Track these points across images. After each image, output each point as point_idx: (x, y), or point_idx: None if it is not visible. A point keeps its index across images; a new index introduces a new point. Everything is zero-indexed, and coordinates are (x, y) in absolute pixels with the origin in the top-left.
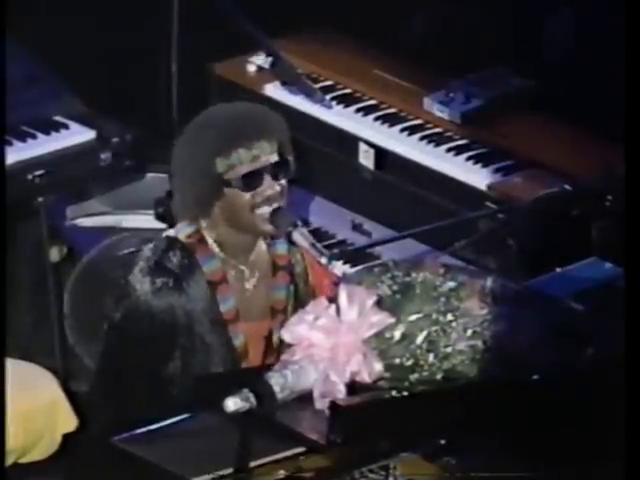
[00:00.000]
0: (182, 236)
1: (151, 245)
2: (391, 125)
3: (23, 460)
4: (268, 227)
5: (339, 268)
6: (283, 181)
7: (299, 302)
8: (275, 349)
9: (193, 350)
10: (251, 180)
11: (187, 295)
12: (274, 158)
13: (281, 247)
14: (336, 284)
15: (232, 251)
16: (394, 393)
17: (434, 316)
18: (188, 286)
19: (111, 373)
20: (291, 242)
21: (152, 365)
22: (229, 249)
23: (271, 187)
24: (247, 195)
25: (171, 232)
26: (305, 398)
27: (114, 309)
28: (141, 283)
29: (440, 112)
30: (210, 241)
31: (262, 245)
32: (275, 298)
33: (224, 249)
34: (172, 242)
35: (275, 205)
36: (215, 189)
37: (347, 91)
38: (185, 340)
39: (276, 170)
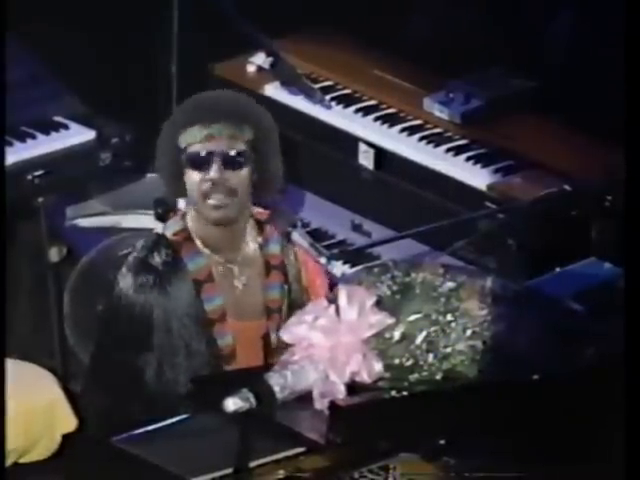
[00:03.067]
0: (169, 233)
1: (141, 242)
2: (391, 125)
3: (23, 460)
4: (214, 219)
5: (339, 268)
6: (242, 172)
7: (292, 301)
8: (275, 349)
9: (173, 349)
10: (197, 160)
11: (168, 294)
12: (232, 147)
13: (274, 246)
14: (330, 284)
15: (214, 247)
16: (394, 393)
17: (434, 316)
18: (170, 284)
19: (97, 365)
20: (289, 241)
21: (133, 359)
22: (211, 245)
23: (219, 174)
24: (196, 176)
25: (159, 229)
26: (305, 398)
27: (102, 303)
28: (124, 279)
29: (440, 112)
30: (196, 239)
31: (251, 244)
32: (270, 297)
33: (207, 245)
34: (159, 239)
35: (222, 198)
36: (181, 164)
37: (347, 91)
38: (164, 339)
39: (229, 159)
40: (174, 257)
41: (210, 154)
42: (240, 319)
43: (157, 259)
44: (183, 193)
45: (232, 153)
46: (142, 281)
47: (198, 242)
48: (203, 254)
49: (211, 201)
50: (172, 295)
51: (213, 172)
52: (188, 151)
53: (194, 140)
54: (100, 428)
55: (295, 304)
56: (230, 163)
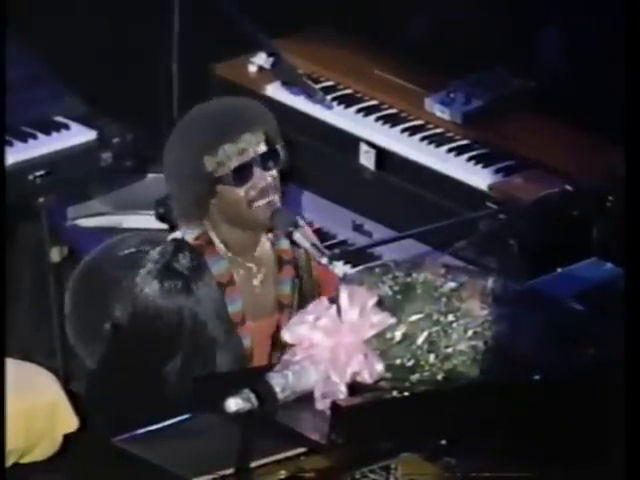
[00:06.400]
0: (190, 238)
1: (159, 248)
2: (392, 125)
3: (24, 460)
4: (267, 221)
5: (340, 268)
6: (274, 171)
7: (304, 295)
8: (282, 345)
9: (201, 352)
10: (241, 174)
11: (196, 297)
12: (262, 149)
13: (285, 241)
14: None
15: (237, 249)
16: (395, 393)
17: (435, 316)
18: (197, 288)
19: (113, 373)
20: (291, 242)
21: (157, 367)
22: (234, 247)
23: (263, 179)
24: (241, 190)
25: (178, 235)
26: (306, 398)
27: (120, 311)
28: (150, 286)
29: (441, 112)
30: (217, 242)
31: (266, 241)
32: (281, 292)
33: (230, 248)
34: (180, 244)
35: (271, 197)
36: (208, 188)
37: (348, 91)
38: (193, 343)
39: (265, 161)
40: (198, 261)
41: (249, 165)
42: (256, 319)
43: (182, 263)
44: (205, 215)
45: (267, 155)
46: (169, 286)
47: (221, 246)
48: (225, 257)
49: (260, 206)
50: (199, 299)
51: (258, 178)
52: (227, 170)
53: (226, 158)
54: (110, 431)
55: (307, 296)
56: (272, 163)
